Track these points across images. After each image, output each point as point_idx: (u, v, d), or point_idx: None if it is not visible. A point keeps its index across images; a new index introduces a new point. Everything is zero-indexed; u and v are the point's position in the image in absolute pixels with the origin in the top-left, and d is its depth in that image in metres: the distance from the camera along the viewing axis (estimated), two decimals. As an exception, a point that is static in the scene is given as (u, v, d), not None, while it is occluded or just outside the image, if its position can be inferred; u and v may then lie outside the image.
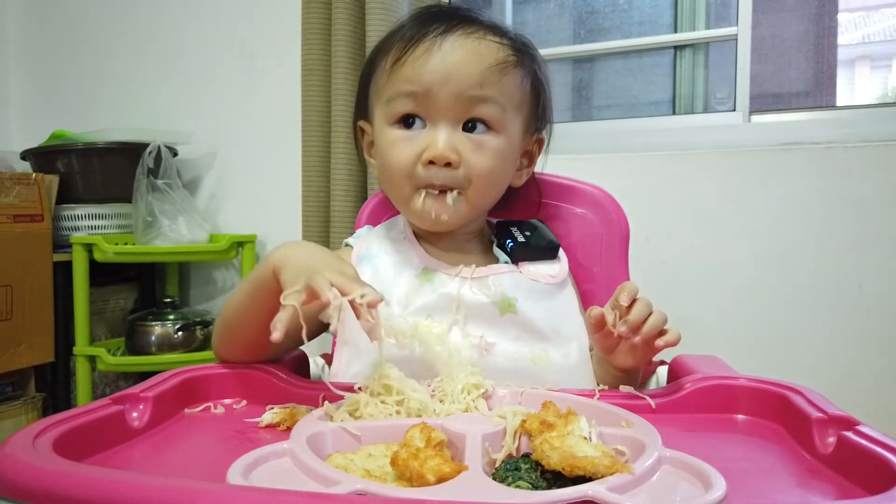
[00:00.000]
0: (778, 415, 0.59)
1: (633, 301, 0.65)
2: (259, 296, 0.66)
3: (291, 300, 0.56)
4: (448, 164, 0.74)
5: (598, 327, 0.67)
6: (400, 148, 0.76)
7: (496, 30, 0.76)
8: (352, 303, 0.56)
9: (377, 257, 0.80)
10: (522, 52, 0.78)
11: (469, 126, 0.75)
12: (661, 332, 0.65)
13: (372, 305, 0.57)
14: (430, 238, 0.83)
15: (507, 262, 0.81)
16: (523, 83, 0.78)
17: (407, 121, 0.76)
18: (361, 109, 0.85)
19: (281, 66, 1.83)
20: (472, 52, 0.73)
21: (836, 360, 1.40)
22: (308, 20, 1.63)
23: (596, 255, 0.91)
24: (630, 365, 0.69)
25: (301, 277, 0.58)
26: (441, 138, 0.73)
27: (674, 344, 0.65)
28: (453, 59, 0.73)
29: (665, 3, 1.86)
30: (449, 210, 0.75)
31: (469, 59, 0.73)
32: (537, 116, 0.83)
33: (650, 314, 0.65)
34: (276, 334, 0.54)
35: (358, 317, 0.57)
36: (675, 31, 1.83)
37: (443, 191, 0.75)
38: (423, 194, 0.75)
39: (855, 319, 1.40)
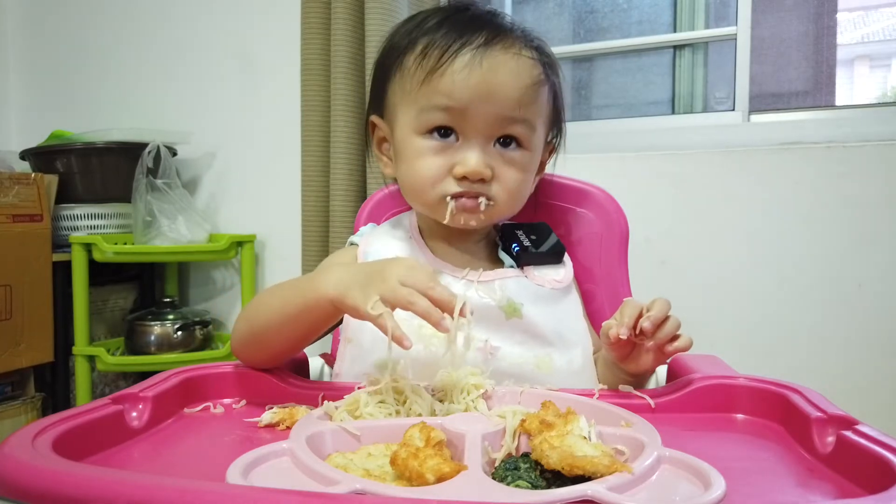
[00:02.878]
0: (777, 414, 0.59)
1: (639, 310, 0.65)
2: (302, 316, 0.65)
3: (380, 308, 0.56)
4: (481, 180, 0.73)
5: (614, 339, 0.67)
6: (429, 160, 0.74)
7: (528, 42, 0.75)
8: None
9: (382, 256, 0.80)
10: (549, 66, 0.77)
11: (502, 142, 0.75)
12: (674, 338, 0.65)
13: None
14: (437, 239, 0.82)
15: (512, 266, 0.81)
16: (549, 98, 0.78)
17: (437, 132, 0.74)
18: (376, 104, 0.82)
19: (280, 66, 1.83)
20: (511, 70, 0.72)
21: (835, 360, 1.41)
22: (307, 20, 1.63)
23: (596, 255, 0.91)
24: (642, 370, 0.70)
25: (375, 288, 0.58)
26: (475, 155, 0.73)
27: (685, 349, 0.65)
28: (495, 78, 0.71)
29: (664, 2, 1.86)
30: (478, 217, 0.75)
31: (509, 79, 0.72)
32: (554, 128, 0.83)
33: (668, 317, 0.65)
34: (408, 342, 0.54)
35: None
36: (675, 31, 1.83)
37: (473, 196, 0.74)
38: (451, 203, 0.74)
39: (855, 319, 1.40)
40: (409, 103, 0.75)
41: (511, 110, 0.72)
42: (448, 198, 0.74)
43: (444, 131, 0.74)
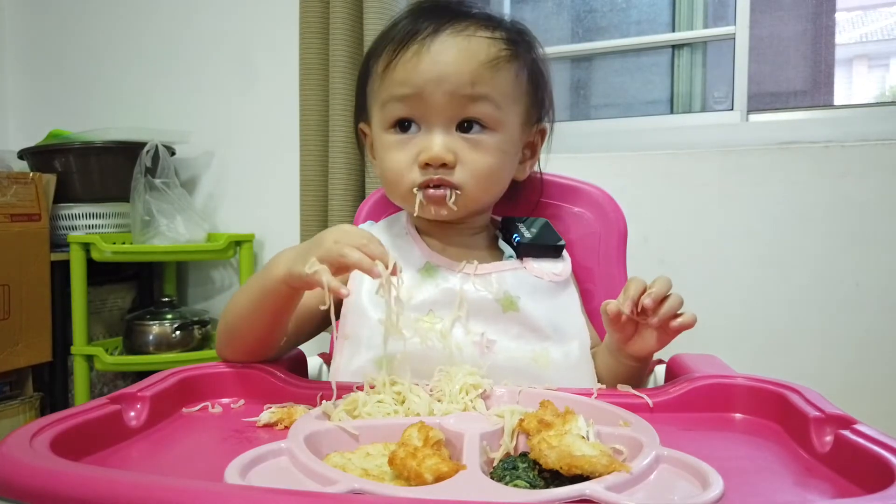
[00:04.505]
0: (776, 414, 0.59)
1: (642, 287, 0.67)
2: (265, 304, 0.67)
3: (316, 266, 0.58)
4: (444, 165, 0.74)
5: (616, 319, 0.68)
6: (395, 152, 0.76)
7: (488, 23, 0.76)
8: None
9: None
10: (517, 44, 0.77)
11: (465, 126, 0.75)
12: (677, 316, 0.66)
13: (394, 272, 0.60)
14: (433, 234, 0.83)
15: (511, 257, 0.81)
16: (519, 76, 0.77)
17: (402, 125, 0.76)
18: (361, 112, 0.85)
19: (279, 66, 1.83)
20: (462, 50, 0.73)
21: (833, 359, 1.41)
22: (306, 19, 1.63)
23: (594, 255, 0.91)
24: (645, 352, 0.70)
25: (312, 254, 0.60)
26: (436, 141, 0.73)
27: (690, 326, 0.66)
28: (443, 59, 0.72)
29: (663, 2, 1.86)
30: (447, 207, 0.75)
31: (459, 58, 0.73)
32: (537, 107, 0.82)
33: (669, 295, 0.66)
34: (345, 291, 0.57)
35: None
36: (673, 31, 1.83)
37: (440, 186, 0.75)
38: (420, 193, 0.75)
39: (853, 318, 1.40)
40: (376, 101, 0.78)
41: (465, 88, 0.73)
42: (415, 189, 0.75)
43: (405, 123, 0.75)
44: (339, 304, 0.78)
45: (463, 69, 0.72)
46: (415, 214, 0.77)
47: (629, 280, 0.68)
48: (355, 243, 0.59)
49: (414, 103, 0.74)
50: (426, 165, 0.74)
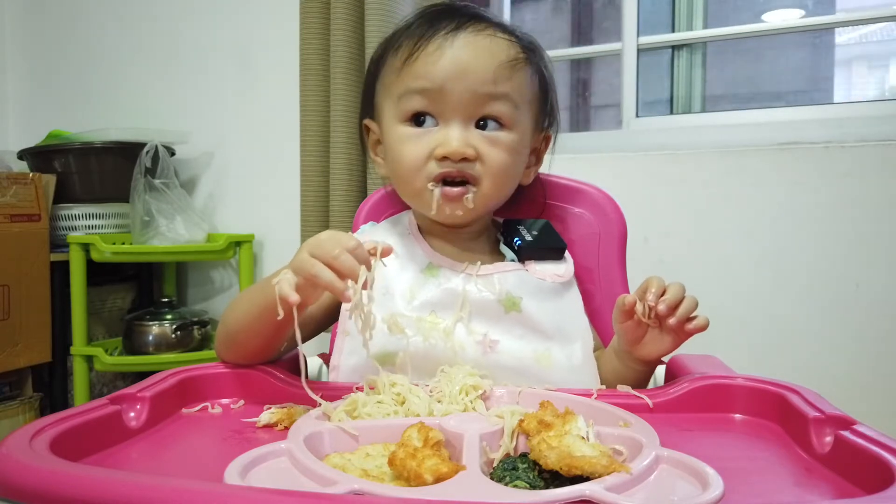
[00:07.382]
0: (775, 414, 0.59)
1: (661, 290, 0.67)
2: (265, 316, 0.66)
3: (282, 276, 0.58)
4: (464, 159, 0.73)
5: (628, 315, 0.68)
6: (411, 145, 0.75)
7: (504, 28, 0.77)
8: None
9: None
10: (530, 51, 0.78)
11: (481, 124, 0.75)
12: (692, 318, 0.66)
13: (386, 253, 0.61)
14: (435, 235, 0.82)
15: (513, 260, 0.81)
16: (532, 81, 0.78)
17: (418, 119, 0.75)
18: (367, 108, 0.84)
19: (279, 66, 1.83)
20: (484, 48, 0.73)
21: (833, 360, 1.41)
22: (306, 20, 1.63)
23: (594, 255, 0.91)
24: (655, 355, 0.70)
25: (290, 267, 0.60)
26: (455, 135, 0.73)
27: (703, 329, 0.66)
28: (466, 55, 0.72)
29: (663, 2, 1.86)
30: (464, 206, 0.75)
31: (482, 56, 0.73)
32: (545, 114, 0.83)
33: (683, 298, 0.66)
34: (293, 297, 0.56)
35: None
36: (673, 31, 1.83)
37: (459, 183, 0.74)
38: (436, 189, 0.74)
39: (852, 319, 1.40)
40: (390, 94, 0.77)
41: (486, 86, 0.73)
42: (431, 184, 0.74)
43: (421, 118, 0.75)
44: (340, 301, 0.78)
45: (485, 66, 0.73)
46: (432, 212, 0.76)
47: (647, 279, 0.68)
48: (326, 258, 0.58)
49: (433, 97, 0.73)
50: (444, 159, 0.73)
